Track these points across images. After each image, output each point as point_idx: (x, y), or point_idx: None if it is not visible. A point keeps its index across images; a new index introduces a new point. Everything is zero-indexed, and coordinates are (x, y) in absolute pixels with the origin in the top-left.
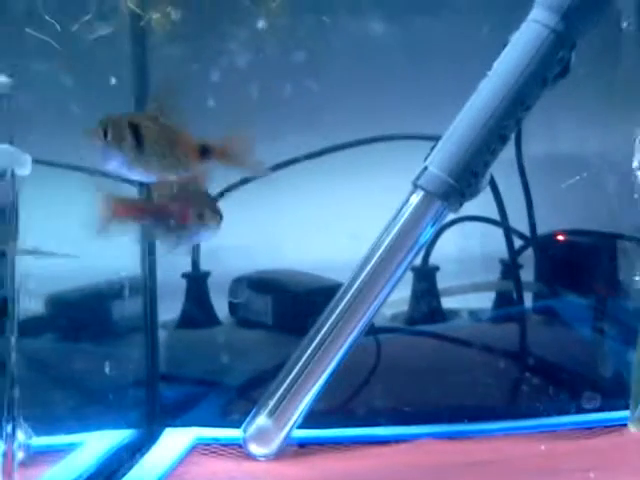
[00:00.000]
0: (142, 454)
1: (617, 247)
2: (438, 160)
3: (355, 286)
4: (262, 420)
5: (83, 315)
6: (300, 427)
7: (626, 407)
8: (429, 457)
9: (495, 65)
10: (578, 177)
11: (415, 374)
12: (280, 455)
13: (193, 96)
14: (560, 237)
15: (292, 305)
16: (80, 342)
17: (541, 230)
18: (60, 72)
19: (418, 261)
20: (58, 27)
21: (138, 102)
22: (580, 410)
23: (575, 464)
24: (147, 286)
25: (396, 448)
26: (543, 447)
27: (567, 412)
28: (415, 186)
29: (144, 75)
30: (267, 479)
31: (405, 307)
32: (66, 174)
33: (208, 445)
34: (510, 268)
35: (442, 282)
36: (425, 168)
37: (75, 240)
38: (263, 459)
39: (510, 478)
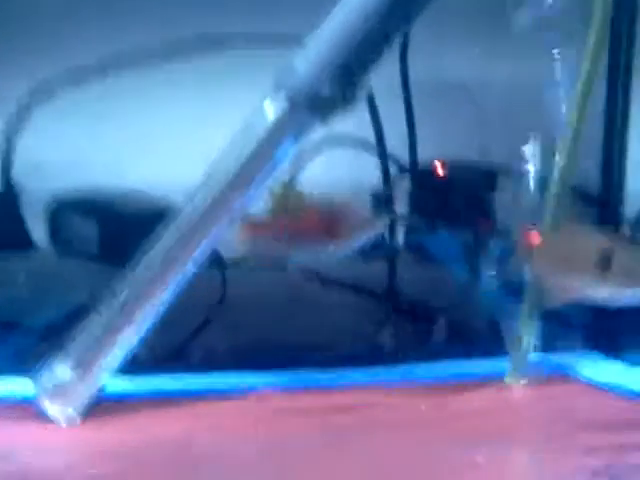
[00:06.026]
0: None
1: (499, 181)
2: (306, 59)
3: (193, 210)
4: (62, 372)
5: None
6: (119, 375)
7: (498, 355)
8: (270, 415)
9: None
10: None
11: (267, 313)
12: (86, 416)
13: None
14: (438, 167)
15: (122, 230)
16: None
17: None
18: None
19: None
20: None
21: None
22: (449, 357)
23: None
24: None
25: (234, 403)
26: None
27: (436, 359)
28: (276, 90)
29: None
30: (57, 449)
31: None
32: None
33: None
34: (382, 200)
35: None
36: (289, 69)
37: None
38: (63, 421)
39: (371, 437)
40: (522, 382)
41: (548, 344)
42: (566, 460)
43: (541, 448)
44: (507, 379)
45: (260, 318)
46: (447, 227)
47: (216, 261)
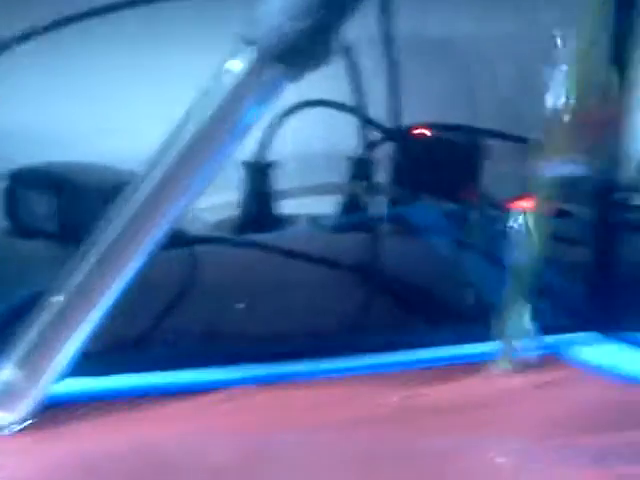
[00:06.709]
0: None
1: (486, 145)
2: (276, 5)
3: (150, 182)
4: (7, 373)
5: None
6: (70, 376)
7: (488, 339)
8: (247, 414)
9: None
10: None
11: (240, 296)
12: (36, 423)
13: None
14: (420, 131)
15: (85, 207)
16: None
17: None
18: None
19: (250, 155)
20: None
21: None
22: (436, 342)
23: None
24: None
25: (202, 401)
26: (395, 398)
27: (421, 344)
28: (243, 42)
29: None
30: (3, 464)
31: (232, 212)
32: None
33: None
34: (360, 166)
35: (278, 182)
36: (255, 20)
37: None
38: (8, 430)
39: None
40: (511, 368)
41: (541, 324)
42: (562, 458)
43: (531, 444)
44: (495, 365)
45: (231, 303)
46: (430, 196)
47: (181, 239)
